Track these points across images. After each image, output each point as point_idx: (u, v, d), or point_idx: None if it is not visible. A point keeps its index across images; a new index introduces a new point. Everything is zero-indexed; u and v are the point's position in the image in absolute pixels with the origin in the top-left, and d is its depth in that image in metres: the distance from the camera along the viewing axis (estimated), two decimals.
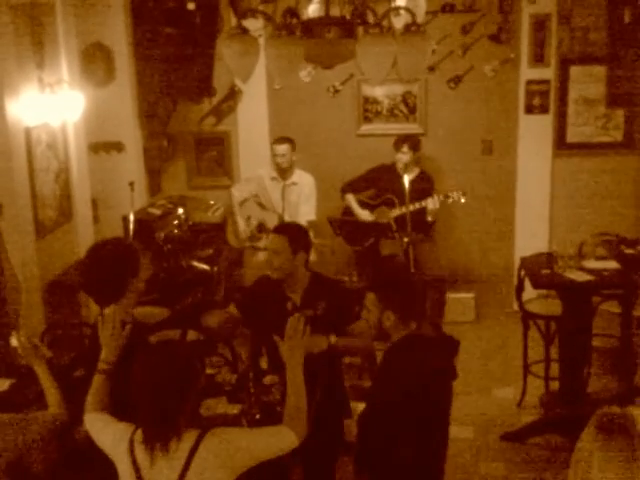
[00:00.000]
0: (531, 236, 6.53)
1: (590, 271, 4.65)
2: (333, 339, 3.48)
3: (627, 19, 5.98)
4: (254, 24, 3.52)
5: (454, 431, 4.74)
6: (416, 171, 6.20)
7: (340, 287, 3.90)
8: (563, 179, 6.57)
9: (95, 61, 5.83)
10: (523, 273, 4.97)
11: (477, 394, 5.34)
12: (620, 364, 5.31)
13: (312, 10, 3.45)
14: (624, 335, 5.37)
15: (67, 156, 5.27)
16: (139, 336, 3.14)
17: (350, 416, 3.82)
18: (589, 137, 6.47)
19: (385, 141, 6.55)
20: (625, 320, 5.37)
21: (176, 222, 5.86)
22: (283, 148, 5.99)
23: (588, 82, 6.35)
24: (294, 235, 3.70)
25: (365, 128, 6.86)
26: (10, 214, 4.53)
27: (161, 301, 4.52)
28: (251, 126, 6.72)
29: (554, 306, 4.96)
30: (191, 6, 5.95)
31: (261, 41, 3.37)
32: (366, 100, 6.81)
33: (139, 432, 2.50)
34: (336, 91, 6.73)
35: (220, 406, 3.26)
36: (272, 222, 6.06)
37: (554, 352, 5.04)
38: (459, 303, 6.57)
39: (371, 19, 3.25)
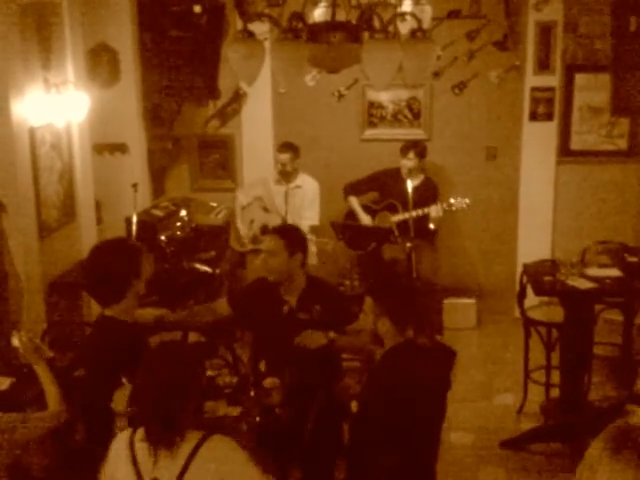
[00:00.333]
0: (534, 243, 6.52)
1: (592, 279, 4.65)
2: (332, 334, 3.49)
3: (633, 27, 5.97)
4: (260, 27, 3.53)
5: (454, 437, 4.79)
6: (421, 177, 6.19)
7: (336, 291, 3.91)
8: (567, 186, 6.57)
9: (101, 62, 5.84)
10: (525, 280, 4.97)
11: (478, 400, 5.33)
12: (621, 372, 5.31)
13: (318, 14, 3.46)
14: (625, 343, 5.37)
15: (71, 157, 5.28)
16: (140, 337, 3.16)
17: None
18: (593, 145, 6.47)
19: (389, 146, 6.55)
20: (626, 328, 5.37)
21: (179, 224, 5.87)
22: (285, 157, 6.00)
23: (593, 90, 6.35)
24: (291, 237, 3.71)
25: (369, 133, 6.86)
26: (13, 214, 4.54)
27: (162, 303, 4.52)
28: (255, 129, 6.72)
29: (556, 313, 4.95)
30: (197, 9, 5.96)
31: (267, 45, 3.38)
32: (371, 105, 6.82)
33: (139, 432, 2.50)
34: (341, 96, 6.73)
35: (220, 408, 3.25)
36: (275, 224, 6.07)
37: (555, 359, 5.03)
38: (461, 309, 6.57)
39: (377, 24, 3.25)
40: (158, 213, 5.90)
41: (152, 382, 2.49)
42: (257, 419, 3.16)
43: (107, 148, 5.97)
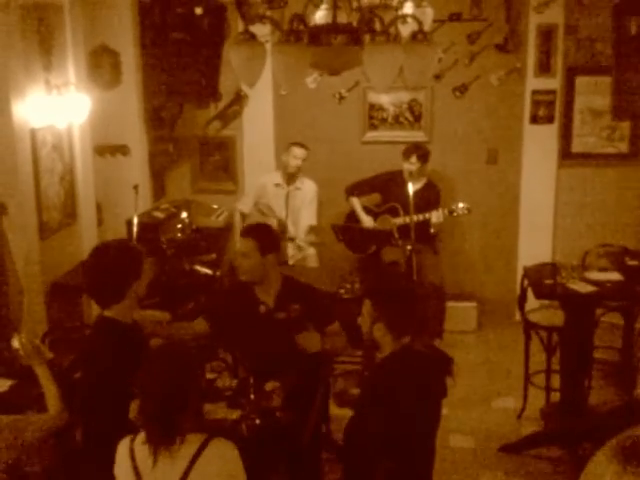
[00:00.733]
0: (535, 246, 6.52)
1: (593, 282, 4.64)
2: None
3: (633, 30, 5.98)
4: (261, 30, 3.53)
5: (454, 440, 4.79)
6: (423, 181, 6.18)
7: (313, 290, 3.90)
8: (567, 189, 6.57)
9: (102, 64, 5.84)
10: (526, 283, 4.96)
11: (478, 404, 5.33)
12: (621, 376, 5.30)
13: (319, 17, 3.46)
14: (626, 347, 5.36)
15: (72, 158, 5.28)
16: (139, 339, 3.15)
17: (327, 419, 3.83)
18: (594, 148, 6.47)
19: (390, 148, 6.55)
20: (627, 332, 5.37)
21: (180, 226, 5.87)
22: (302, 153, 6.01)
23: (594, 93, 6.35)
24: (262, 237, 3.70)
25: (370, 135, 6.86)
26: (14, 215, 4.54)
27: (163, 305, 4.52)
28: (256, 131, 6.73)
29: (556, 317, 4.95)
30: (199, 11, 5.97)
31: (268, 47, 3.38)
32: (372, 107, 6.82)
33: (139, 436, 2.50)
34: (342, 98, 6.73)
35: (220, 411, 3.25)
36: (273, 226, 6.08)
37: (555, 363, 5.03)
38: (461, 312, 6.57)
39: (378, 26, 3.25)
40: (159, 215, 5.90)
41: (153, 383, 2.49)
42: (257, 422, 3.15)
43: (108, 150, 5.97)
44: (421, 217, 5.82)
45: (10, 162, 4.50)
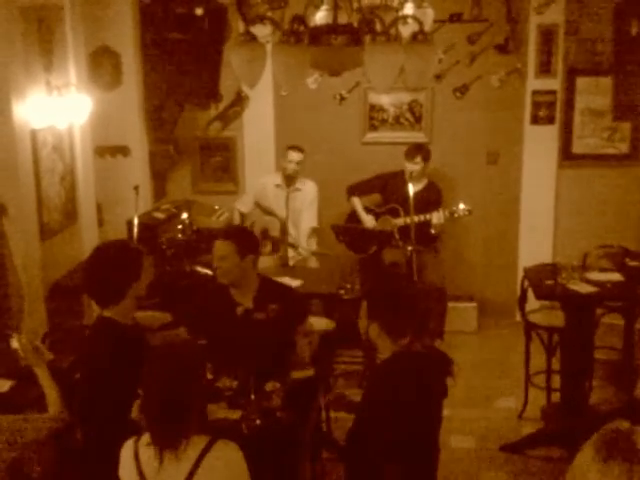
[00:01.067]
0: (535, 246, 6.52)
1: (593, 283, 4.64)
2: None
3: (634, 31, 5.99)
4: (262, 30, 3.53)
5: (455, 440, 4.79)
6: (424, 182, 6.18)
7: (289, 290, 3.92)
8: (568, 190, 6.57)
9: (102, 65, 5.85)
10: (526, 283, 4.96)
11: (478, 404, 5.33)
12: (622, 377, 5.30)
13: (320, 17, 3.46)
14: (626, 347, 5.36)
15: (73, 159, 5.28)
16: (138, 339, 3.15)
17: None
18: (595, 148, 6.47)
19: (390, 149, 6.55)
20: (627, 332, 5.37)
21: (180, 227, 5.86)
22: (298, 156, 6.01)
23: (594, 93, 6.35)
24: (240, 239, 3.70)
25: (370, 136, 6.86)
26: (15, 216, 4.53)
27: (163, 305, 4.52)
28: (257, 132, 6.73)
29: (557, 317, 4.95)
30: (199, 12, 5.97)
31: (268, 47, 3.38)
32: (372, 108, 6.82)
33: (144, 437, 2.50)
34: (342, 98, 6.73)
35: (220, 411, 3.25)
36: (274, 228, 6.07)
37: (556, 363, 5.02)
38: (461, 313, 6.57)
39: (378, 27, 3.25)
40: (159, 216, 5.90)
41: (156, 384, 2.49)
42: (257, 422, 3.16)
43: (109, 151, 5.98)
44: (422, 218, 5.82)
45: (10, 163, 4.50)
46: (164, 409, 2.45)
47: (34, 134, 4.69)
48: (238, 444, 2.57)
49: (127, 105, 5.98)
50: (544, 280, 4.73)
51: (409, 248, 5.49)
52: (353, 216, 6.37)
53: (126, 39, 5.90)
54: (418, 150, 6.10)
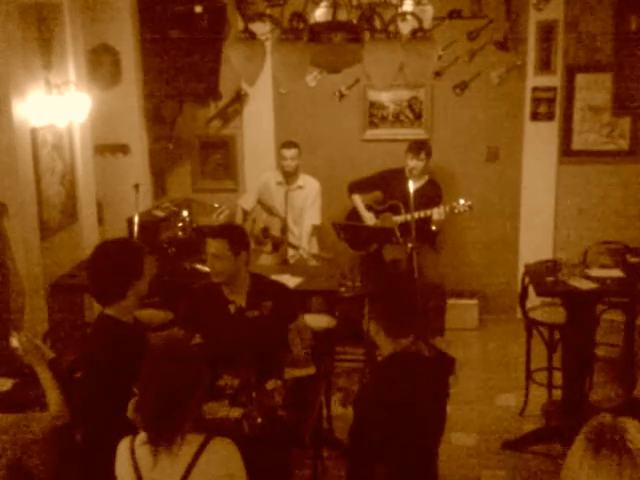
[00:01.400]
0: (535, 243, 6.52)
1: (594, 279, 4.64)
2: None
3: (634, 27, 5.98)
4: (261, 28, 3.52)
5: (456, 438, 4.79)
6: (425, 179, 6.17)
7: (281, 287, 3.91)
8: (568, 186, 6.56)
9: (102, 63, 5.84)
10: (527, 280, 4.96)
11: (479, 401, 5.33)
12: (623, 373, 5.30)
13: (319, 14, 3.46)
14: (627, 344, 5.36)
15: (73, 157, 5.28)
16: (139, 337, 3.15)
17: None
18: (594, 145, 6.46)
19: (390, 146, 6.55)
20: (628, 329, 5.36)
21: (180, 225, 5.86)
22: (292, 152, 6.01)
23: (594, 90, 6.35)
24: (233, 237, 3.68)
25: (370, 133, 6.86)
26: (15, 215, 4.54)
27: (164, 304, 4.52)
28: (257, 130, 6.73)
29: (558, 314, 4.95)
30: (198, 9, 5.97)
31: (268, 45, 3.38)
32: (372, 105, 6.81)
33: (140, 436, 2.50)
34: (342, 96, 6.73)
35: (222, 409, 3.25)
36: (276, 227, 6.06)
37: (557, 360, 5.02)
38: (462, 310, 6.57)
39: (378, 24, 3.25)
40: (159, 214, 5.90)
41: (154, 383, 2.49)
42: (259, 420, 3.16)
43: (108, 149, 5.97)
44: (422, 214, 5.81)
45: (10, 162, 4.50)
46: (160, 408, 2.45)
47: (34, 133, 4.68)
48: (239, 442, 2.57)
49: (126, 103, 5.98)
50: (545, 277, 4.73)
51: (409, 245, 5.49)
52: (354, 212, 6.37)
53: (125, 37, 5.89)
54: (422, 147, 6.09)
